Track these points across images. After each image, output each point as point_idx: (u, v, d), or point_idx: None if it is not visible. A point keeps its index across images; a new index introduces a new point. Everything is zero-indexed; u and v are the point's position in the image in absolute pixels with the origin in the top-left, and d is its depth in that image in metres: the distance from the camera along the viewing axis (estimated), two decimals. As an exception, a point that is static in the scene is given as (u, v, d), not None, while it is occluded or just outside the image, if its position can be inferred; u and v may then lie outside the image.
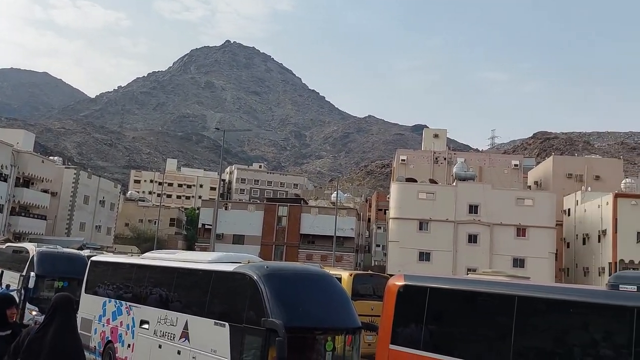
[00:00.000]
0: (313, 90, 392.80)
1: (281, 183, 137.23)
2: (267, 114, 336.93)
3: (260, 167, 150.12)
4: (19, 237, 51.75)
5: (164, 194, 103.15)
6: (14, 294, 16.33)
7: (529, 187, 74.29)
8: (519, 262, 52.02)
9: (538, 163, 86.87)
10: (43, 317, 5.90)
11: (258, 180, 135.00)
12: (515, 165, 68.70)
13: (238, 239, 61.83)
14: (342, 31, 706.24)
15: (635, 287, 7.61)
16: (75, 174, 65.56)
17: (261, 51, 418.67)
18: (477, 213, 54.62)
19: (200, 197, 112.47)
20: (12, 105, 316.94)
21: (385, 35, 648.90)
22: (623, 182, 64.19)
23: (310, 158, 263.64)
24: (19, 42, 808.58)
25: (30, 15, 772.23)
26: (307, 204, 72.72)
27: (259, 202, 78.88)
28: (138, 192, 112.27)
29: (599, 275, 52.92)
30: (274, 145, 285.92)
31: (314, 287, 10.85)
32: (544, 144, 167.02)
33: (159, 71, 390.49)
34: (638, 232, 51.44)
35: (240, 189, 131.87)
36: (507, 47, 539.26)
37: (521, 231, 53.84)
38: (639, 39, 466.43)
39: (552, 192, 59.24)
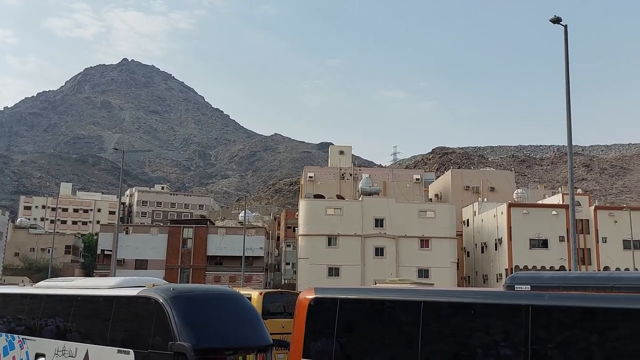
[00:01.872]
0: (217, 109, 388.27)
1: (185, 204, 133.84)
2: (169, 134, 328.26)
3: (162, 188, 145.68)
4: None
5: (58, 219, 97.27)
6: None
7: (430, 199, 77.58)
8: (423, 272, 53.94)
9: (438, 177, 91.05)
10: None
11: (161, 202, 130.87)
12: (417, 179, 71.48)
13: (141, 264, 59.39)
14: (244, 50, 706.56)
15: (529, 286, 8.07)
16: (-43, 201, 60.32)
17: (161, 69, 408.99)
18: (382, 226, 56.13)
19: (98, 221, 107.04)
20: None
21: (286, 55, 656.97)
22: (515, 192, 68.71)
23: (215, 178, 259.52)
24: None
25: None
26: (213, 224, 71.36)
27: (162, 224, 76.36)
28: (29, 219, 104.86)
29: (497, 281, 56.02)
30: (177, 166, 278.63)
31: (223, 307, 10.64)
32: (442, 159, 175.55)
33: (49, 91, 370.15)
34: (530, 239, 55.11)
35: (142, 212, 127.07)
36: (403, 66, 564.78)
37: (425, 242, 55.92)
38: (524, 61, 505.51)
39: (451, 203, 62.11)
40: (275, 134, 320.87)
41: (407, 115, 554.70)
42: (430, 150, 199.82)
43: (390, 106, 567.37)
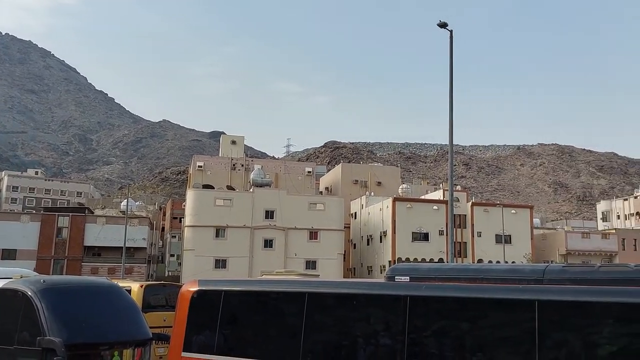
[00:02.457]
0: (100, 91, 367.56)
1: (62, 191, 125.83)
2: (46, 115, 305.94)
3: (36, 173, 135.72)
4: None
5: None
6: None
7: (321, 192, 78.94)
8: (311, 264, 54.82)
9: (329, 170, 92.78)
10: None
11: (34, 188, 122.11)
12: (309, 172, 72.39)
13: (8, 254, 54.92)
14: (133, 31, 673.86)
15: (408, 277, 8.39)
16: None
17: (39, 46, 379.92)
18: (273, 218, 56.24)
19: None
20: None
21: (179, 39, 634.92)
22: (400, 187, 71.78)
23: (97, 164, 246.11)
24: None
25: None
26: (92, 213, 67.69)
27: (34, 212, 71.08)
28: None
29: (381, 272, 58.26)
30: (54, 150, 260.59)
31: (98, 300, 10.06)
32: (334, 153, 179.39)
33: None
34: (413, 232, 57.83)
35: (12, 198, 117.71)
36: (300, 59, 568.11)
37: (313, 234, 56.81)
38: (412, 61, 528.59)
39: (340, 197, 63.61)
40: (164, 120, 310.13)
41: (301, 109, 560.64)
42: (322, 144, 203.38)
43: (285, 98, 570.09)
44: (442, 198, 61.42)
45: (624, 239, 64.45)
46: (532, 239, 61.10)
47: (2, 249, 54.95)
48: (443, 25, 21.18)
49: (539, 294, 7.14)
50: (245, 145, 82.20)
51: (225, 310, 9.73)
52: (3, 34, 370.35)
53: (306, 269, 52.13)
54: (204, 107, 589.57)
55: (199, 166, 69.92)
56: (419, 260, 55.98)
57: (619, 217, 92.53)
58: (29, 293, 9.24)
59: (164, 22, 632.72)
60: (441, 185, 78.44)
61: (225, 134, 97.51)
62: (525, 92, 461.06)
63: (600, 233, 69.19)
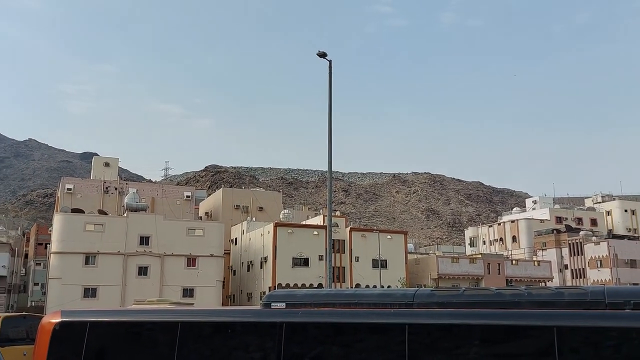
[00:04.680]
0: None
1: None
2: None
3: None
4: None
5: None
6: None
7: (200, 217, 77.19)
8: (188, 292, 53.15)
9: (209, 195, 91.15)
10: None
11: None
12: (188, 196, 70.59)
13: None
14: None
15: (284, 304, 8.45)
16: None
17: None
18: (148, 244, 54.00)
19: None
20: None
21: (48, 53, 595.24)
22: (282, 212, 72.17)
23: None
24: None
25: None
26: (-56, 239, 60.85)
27: None
28: None
29: (260, 299, 57.73)
30: None
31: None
32: (215, 177, 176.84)
33: None
34: (293, 257, 58.20)
35: None
36: (181, 81, 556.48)
37: (191, 261, 55.24)
38: (294, 88, 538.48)
39: (221, 222, 62.60)
40: (30, 139, 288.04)
41: (181, 131, 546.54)
42: (203, 168, 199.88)
43: (164, 120, 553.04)
44: (322, 223, 62.67)
45: (488, 264, 69.37)
46: (406, 263, 63.96)
47: None
48: (322, 55, 21.97)
49: (409, 317, 7.49)
50: (120, 167, 78.54)
51: (90, 342, 9.17)
52: None
53: (183, 297, 50.51)
54: (75, 126, 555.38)
55: (68, 189, 65.63)
56: (299, 285, 56.44)
57: (484, 242, 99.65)
58: None
59: (29, 36, 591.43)
60: (322, 210, 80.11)
61: (98, 155, 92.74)
62: (399, 122, 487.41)
63: (468, 258, 73.94)
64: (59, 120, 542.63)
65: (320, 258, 58.34)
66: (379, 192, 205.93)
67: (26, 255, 79.41)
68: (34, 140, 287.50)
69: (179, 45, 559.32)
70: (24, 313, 25.58)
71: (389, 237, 64.12)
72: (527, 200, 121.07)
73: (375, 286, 58.94)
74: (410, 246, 79.82)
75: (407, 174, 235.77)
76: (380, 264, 59.82)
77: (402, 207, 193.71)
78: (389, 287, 56.91)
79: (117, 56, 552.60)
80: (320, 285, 56.38)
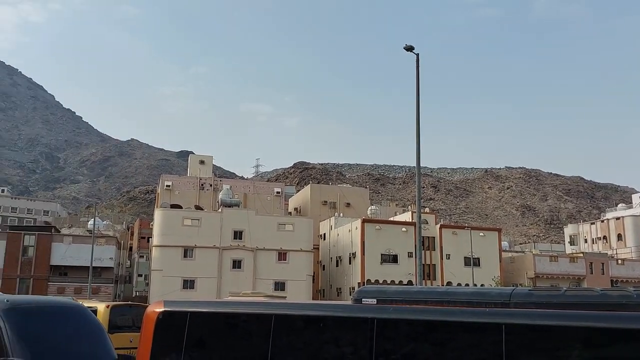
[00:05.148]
0: (68, 109, 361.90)
1: (29, 209, 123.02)
2: (13, 133, 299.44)
3: (3, 191, 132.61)
4: None
5: None
6: None
7: (290, 213, 78.74)
8: (280, 285, 54.44)
9: (298, 191, 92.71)
10: None
11: (0, 206, 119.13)
12: (278, 192, 72.21)
13: (-28, 274, 53.33)
14: (101, 50, 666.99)
15: (375, 299, 8.45)
16: None
17: (6, 63, 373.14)
18: (241, 239, 55.84)
19: None
20: None
21: (147, 59, 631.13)
22: (369, 209, 72.10)
23: (64, 182, 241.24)
24: None
25: None
26: (59, 232, 66.15)
27: (0, 230, 69.22)
28: None
29: (350, 294, 58.11)
30: (21, 168, 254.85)
31: (64, 321, 9.90)
32: (303, 173, 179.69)
33: None
34: (382, 254, 57.98)
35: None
36: (271, 80, 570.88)
37: (282, 255, 56.52)
38: (381, 84, 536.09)
39: (310, 217, 63.50)
40: (132, 139, 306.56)
41: (271, 129, 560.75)
42: (291, 165, 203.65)
43: (255, 119, 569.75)
44: (410, 220, 61.91)
45: (591, 263, 65.69)
46: (500, 262, 61.88)
47: (-35, 269, 53.30)
48: (409, 48, 21.65)
49: (506, 317, 7.26)
50: (213, 165, 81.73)
51: (191, 332, 9.64)
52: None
53: (275, 290, 51.78)
54: (172, 126, 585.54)
55: (167, 186, 69.19)
56: (388, 282, 56.16)
57: (586, 240, 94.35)
58: (-9, 314, 9.03)
59: (132, 41, 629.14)
60: (410, 207, 79.14)
61: (193, 153, 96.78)
62: (492, 115, 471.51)
63: (568, 257, 70.38)
64: (158, 121, 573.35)
65: (410, 255, 57.71)
66: (470, 188, 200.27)
67: (130, 248, 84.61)
68: (136, 140, 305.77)
69: (268, 46, 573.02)
70: (129, 302, 27.35)
71: (481, 234, 62.31)
72: (633, 195, 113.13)
73: (467, 285, 57.49)
74: (505, 244, 77.12)
75: (500, 168, 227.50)
76: (472, 262, 58.23)
77: (495, 203, 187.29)
78: (482, 285, 55.33)
79: (210, 58, 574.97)
80: (410, 283, 55.81)
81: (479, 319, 7.42)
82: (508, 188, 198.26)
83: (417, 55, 21.97)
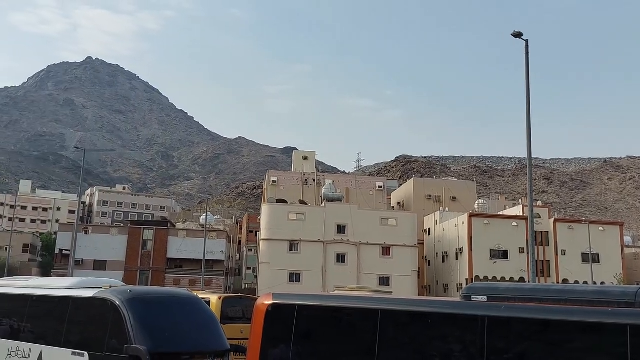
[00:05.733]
0: (181, 110, 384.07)
1: (147, 205, 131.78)
2: (132, 134, 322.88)
3: (124, 188, 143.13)
4: None
5: (17, 217, 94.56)
6: None
7: (393, 207, 78.21)
8: (384, 280, 54.27)
9: (400, 185, 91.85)
10: None
11: (122, 203, 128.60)
12: (380, 187, 71.96)
13: (100, 265, 58.16)
14: (210, 53, 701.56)
15: (486, 297, 8.17)
16: None
17: (126, 69, 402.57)
18: (345, 233, 56.29)
19: (57, 220, 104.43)
20: None
21: (253, 59, 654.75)
22: (477, 203, 69.88)
23: (178, 179, 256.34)
24: None
25: None
26: (174, 226, 70.40)
27: (122, 225, 74.92)
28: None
29: (457, 290, 56.70)
30: (140, 166, 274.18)
31: (180, 311, 10.51)
32: (405, 167, 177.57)
33: (11, 87, 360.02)
34: (491, 250, 55.98)
35: (102, 212, 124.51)
36: (371, 74, 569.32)
37: (386, 250, 56.29)
38: (486, 73, 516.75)
39: (413, 212, 62.69)
40: (240, 137, 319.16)
41: (372, 123, 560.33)
42: (393, 159, 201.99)
43: (356, 114, 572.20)
44: (521, 214, 59.24)
45: None
46: (623, 258, 57.63)
47: (94, 260, 58.26)
48: (518, 35, 20.67)
49: (631, 318, 6.76)
50: (316, 160, 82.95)
51: (299, 324, 9.84)
52: (94, 58, 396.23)
53: (379, 285, 51.68)
54: (277, 123, 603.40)
55: (272, 181, 71.27)
56: (498, 279, 54.15)
57: None
58: (117, 302, 9.77)
59: (239, 43, 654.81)
60: (520, 200, 75.77)
61: (297, 149, 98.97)
62: (610, 101, 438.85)
63: (700, 253, 64.20)
64: (263, 119, 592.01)
65: (521, 251, 55.28)
66: (587, 180, 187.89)
67: (239, 242, 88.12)
68: (243, 137, 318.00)
69: (369, 40, 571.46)
70: (239, 294, 28.47)
71: (600, 228, 58.37)
72: None
73: (586, 282, 54.08)
74: (628, 239, 71.67)
75: (621, 158, 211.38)
76: (591, 258, 54.61)
77: (616, 195, 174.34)
78: (602, 284, 51.80)
79: (313, 57, 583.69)
80: (521, 279, 53.48)
81: (601, 320, 6.96)
82: (630, 179, 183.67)
83: (527, 41, 20.92)
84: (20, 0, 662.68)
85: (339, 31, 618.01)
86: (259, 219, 65.79)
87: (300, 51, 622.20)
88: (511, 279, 53.82)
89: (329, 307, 9.92)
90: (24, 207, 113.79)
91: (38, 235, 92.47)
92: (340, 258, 55.93)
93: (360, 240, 56.08)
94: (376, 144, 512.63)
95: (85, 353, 9.87)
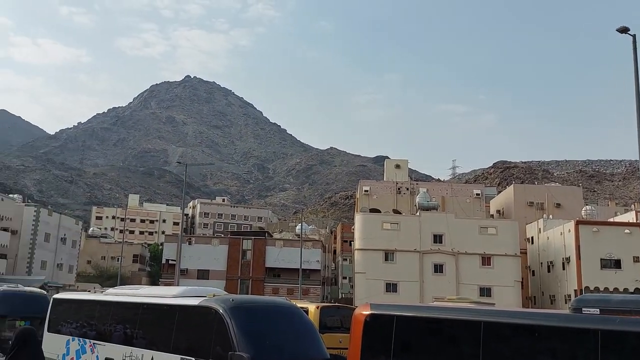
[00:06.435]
0: (274, 124, 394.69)
1: (245, 216, 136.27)
2: (230, 148, 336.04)
3: (223, 200, 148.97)
4: (-24, 277, 49.77)
5: (127, 230, 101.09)
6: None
7: (492, 215, 75.57)
8: (485, 291, 52.45)
9: (499, 192, 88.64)
10: (4, 356, 5.79)
11: (221, 214, 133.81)
12: (477, 194, 69.89)
13: (203, 274, 60.79)
14: (301, 66, 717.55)
15: (598, 309, 7.73)
16: (35, 211, 63.77)
17: (222, 86, 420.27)
18: (441, 242, 55.12)
19: (163, 232, 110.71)
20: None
21: (342, 70, 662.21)
22: (583, 209, 65.93)
23: (273, 190, 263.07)
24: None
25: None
26: (271, 236, 72.21)
27: (222, 236, 77.96)
28: (100, 228, 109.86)
29: (565, 302, 53.56)
30: (237, 179, 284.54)
31: (281, 320, 10.72)
32: (504, 173, 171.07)
33: (119, 107, 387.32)
34: (601, 259, 52.43)
35: (204, 223, 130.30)
36: (463, 79, 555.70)
37: (486, 260, 54.45)
38: (590, 72, 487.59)
39: (514, 220, 60.23)
40: (331, 147, 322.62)
41: (466, 129, 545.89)
42: (491, 165, 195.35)
43: (449, 120, 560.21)
44: (635, 220, 55.18)
45: None
46: None
47: (198, 270, 61.02)
48: (624, 30, 19.44)
49: None
50: (409, 168, 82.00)
51: (398, 335, 9.76)
52: (192, 77, 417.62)
53: (480, 296, 49.99)
54: (368, 133, 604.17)
55: (365, 190, 71.23)
56: (610, 290, 50.66)
57: None
58: (220, 311, 10.14)
59: (328, 54, 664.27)
60: (633, 206, 70.65)
61: (389, 158, 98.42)
62: None
63: None
64: (354, 128, 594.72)
65: (636, 260, 51.41)
66: None
67: (334, 251, 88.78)
68: (335, 148, 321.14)
69: (459, 46, 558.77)
70: (336, 304, 28.64)
71: None
72: None
73: None
74: None
75: None
76: None
77: None
78: None
79: (402, 65, 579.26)
80: (637, 291, 49.72)
81: None
82: None
83: (634, 36, 19.63)
84: (125, 26, 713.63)
85: (427, 38, 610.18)
86: (353, 229, 65.99)
87: (388, 60, 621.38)
88: (625, 290, 50.17)
89: (428, 319, 9.78)
90: (132, 220, 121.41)
91: (146, 246, 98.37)
92: (438, 268, 54.78)
93: (458, 250, 54.66)
94: (471, 150, 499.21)
95: (193, 359, 10.31)
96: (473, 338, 8.71)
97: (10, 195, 71.72)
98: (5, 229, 57.91)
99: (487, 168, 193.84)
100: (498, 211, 78.27)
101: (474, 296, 46.08)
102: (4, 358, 5.68)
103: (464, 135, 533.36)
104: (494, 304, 11.67)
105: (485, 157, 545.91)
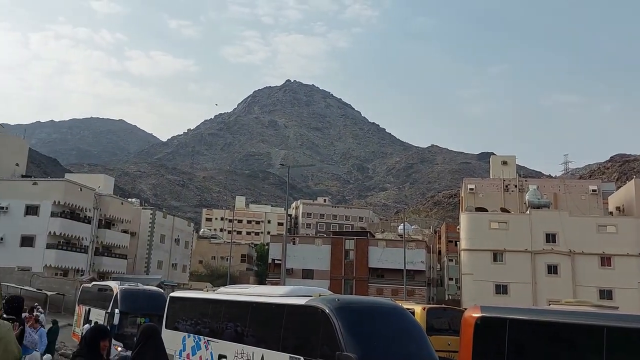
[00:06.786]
0: (373, 123, 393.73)
1: (346, 216, 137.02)
2: (329, 149, 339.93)
3: (324, 201, 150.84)
4: (102, 275, 54.09)
5: (234, 230, 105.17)
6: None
7: (611, 213, 70.42)
8: (605, 294, 49.09)
9: (618, 187, 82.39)
10: (129, 352, 6.17)
11: (323, 215, 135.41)
12: (594, 190, 65.47)
13: (307, 274, 61.87)
14: (399, 64, 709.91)
15: None
16: (151, 214, 68.07)
17: (320, 88, 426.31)
18: (555, 242, 52.27)
19: (268, 232, 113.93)
20: (93, 151, 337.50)
21: (443, 65, 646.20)
22: None
23: (374, 190, 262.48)
24: (97, 93, 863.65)
25: (107, 67, 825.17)
26: (373, 237, 72.03)
27: (325, 236, 78.88)
28: (210, 229, 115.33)
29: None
30: (337, 179, 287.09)
31: (388, 321, 10.60)
32: (623, 167, 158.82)
33: (224, 113, 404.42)
34: None
35: (307, 224, 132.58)
36: (576, 68, 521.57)
37: (605, 260, 50.97)
38: None
39: (636, 217, 55.87)
40: (432, 145, 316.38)
41: (580, 121, 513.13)
42: (608, 159, 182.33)
43: (561, 112, 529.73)
44: None
45: None
46: None
47: (303, 269, 62.29)
48: None
49: None
50: (517, 165, 78.32)
51: (512, 339, 9.34)
52: (292, 81, 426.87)
53: (600, 299, 46.81)
54: (471, 129, 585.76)
55: (470, 189, 68.99)
56: None
57: None
58: (327, 310, 10.21)
59: (428, 50, 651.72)
60: None
61: (494, 154, 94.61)
62: None
63: None
64: (457, 125, 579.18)
65: None
66: None
67: (439, 252, 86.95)
68: (436, 145, 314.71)
69: (566, 32, 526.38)
70: (443, 305, 27.98)
71: None
72: None
73: None
74: None
75: None
76: None
77: None
78: None
79: (508, 55, 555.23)
80: None
81: None
82: None
83: None
84: (229, 34, 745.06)
85: (535, 26, 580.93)
86: (458, 229, 64.18)
87: (495, 52, 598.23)
88: None
89: (545, 322, 9.27)
90: (239, 221, 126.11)
91: (253, 246, 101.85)
92: (552, 269, 51.94)
93: (574, 250, 51.51)
94: (586, 143, 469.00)
95: (302, 358, 10.45)
96: (595, 344, 8.15)
97: (129, 200, 77.04)
98: (125, 231, 62.23)
99: (603, 162, 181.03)
100: (617, 208, 72.67)
101: (593, 299, 43.18)
102: (131, 353, 6.04)
103: (578, 128, 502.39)
104: (618, 307, 10.82)
105: (601, 151, 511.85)
